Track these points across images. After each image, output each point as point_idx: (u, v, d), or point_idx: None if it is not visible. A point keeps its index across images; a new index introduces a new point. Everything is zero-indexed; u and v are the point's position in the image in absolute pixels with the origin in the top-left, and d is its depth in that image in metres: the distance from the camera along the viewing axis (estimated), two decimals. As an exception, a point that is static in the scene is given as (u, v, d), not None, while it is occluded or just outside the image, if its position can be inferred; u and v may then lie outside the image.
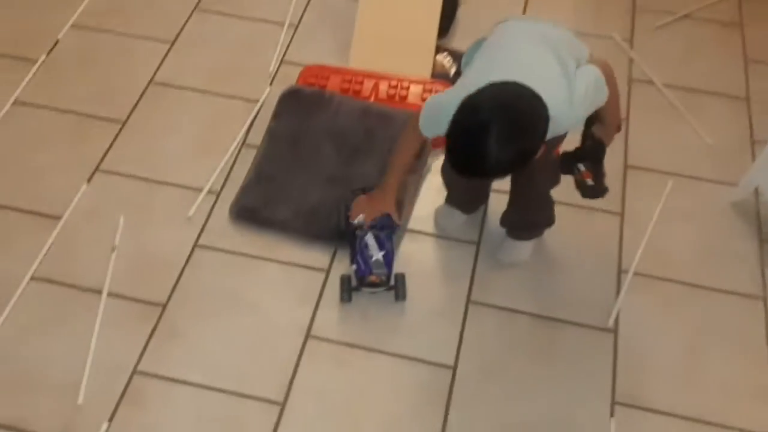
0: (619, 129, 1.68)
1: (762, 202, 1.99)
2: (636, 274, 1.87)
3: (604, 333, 1.77)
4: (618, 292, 1.83)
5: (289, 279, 1.83)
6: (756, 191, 1.99)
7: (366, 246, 1.78)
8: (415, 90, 2.14)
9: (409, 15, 2.28)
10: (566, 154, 1.69)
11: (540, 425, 1.63)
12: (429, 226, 1.95)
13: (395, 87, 2.15)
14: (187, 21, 2.40)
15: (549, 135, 1.39)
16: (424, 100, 2.11)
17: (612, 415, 1.65)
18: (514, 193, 1.81)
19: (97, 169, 2.02)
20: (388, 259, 1.78)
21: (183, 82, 2.24)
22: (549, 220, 1.86)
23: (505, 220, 1.89)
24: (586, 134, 1.66)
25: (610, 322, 1.78)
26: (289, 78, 2.24)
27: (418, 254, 1.91)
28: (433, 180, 2.01)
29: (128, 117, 2.14)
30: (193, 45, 2.34)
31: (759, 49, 2.40)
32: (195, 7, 2.44)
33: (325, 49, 2.34)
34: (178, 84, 2.24)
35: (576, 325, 1.78)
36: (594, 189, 1.67)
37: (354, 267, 1.78)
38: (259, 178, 1.97)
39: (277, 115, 2.09)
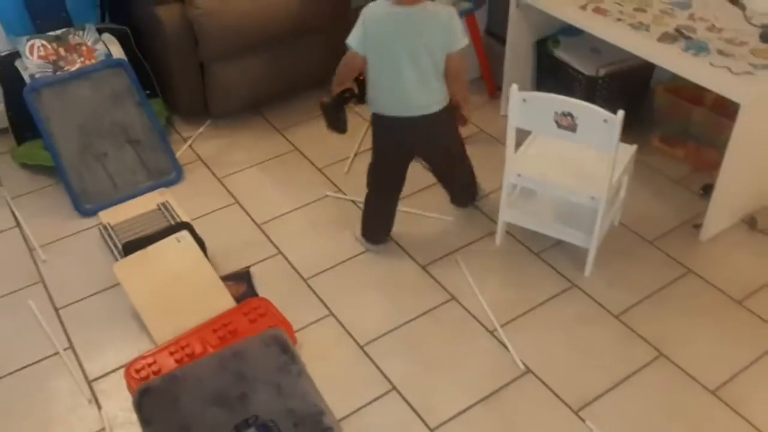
0: (465, 119, 2.39)
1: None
2: (504, 326, 2.25)
3: (525, 377, 2.10)
4: (504, 346, 2.19)
5: None
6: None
7: None
8: (237, 320, 2.23)
9: (177, 270, 2.36)
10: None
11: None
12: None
13: (219, 329, 2.20)
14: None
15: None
16: (250, 321, 2.22)
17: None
18: (450, 179, 2.56)
19: None
20: None
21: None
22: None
23: (458, 199, 2.64)
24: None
25: (521, 366, 2.13)
26: (112, 390, 2.12)
27: None
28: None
29: None
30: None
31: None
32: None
33: (114, 342, 2.26)
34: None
35: (507, 386, 2.08)
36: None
37: None
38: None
39: (146, 423, 1.96)
